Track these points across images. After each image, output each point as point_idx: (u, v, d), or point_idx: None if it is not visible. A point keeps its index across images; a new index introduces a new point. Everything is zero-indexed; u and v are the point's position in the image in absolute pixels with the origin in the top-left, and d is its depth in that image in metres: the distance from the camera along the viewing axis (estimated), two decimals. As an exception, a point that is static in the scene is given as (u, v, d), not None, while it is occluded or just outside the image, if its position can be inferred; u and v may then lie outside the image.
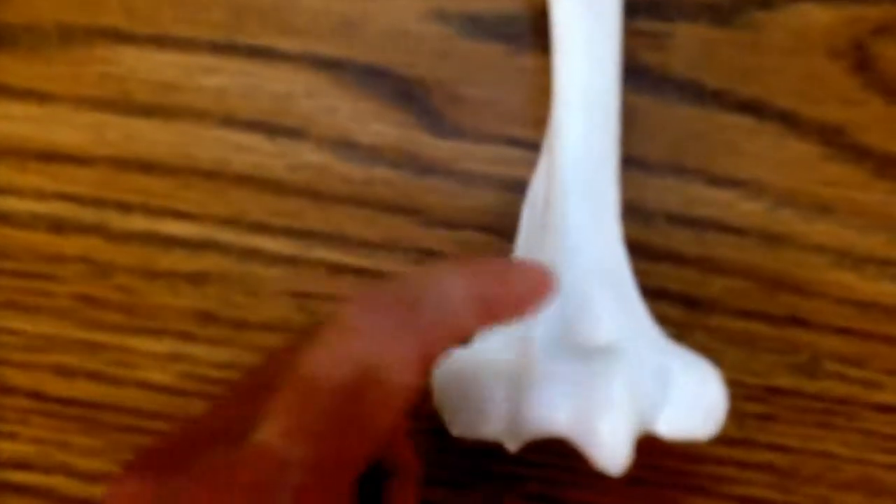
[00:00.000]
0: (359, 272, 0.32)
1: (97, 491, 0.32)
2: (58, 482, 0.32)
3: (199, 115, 0.32)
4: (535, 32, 0.32)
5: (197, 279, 0.32)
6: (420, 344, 0.20)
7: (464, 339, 0.22)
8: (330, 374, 0.19)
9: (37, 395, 0.32)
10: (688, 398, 0.27)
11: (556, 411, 0.26)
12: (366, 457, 0.19)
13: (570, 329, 0.27)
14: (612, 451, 0.25)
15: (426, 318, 0.20)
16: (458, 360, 0.27)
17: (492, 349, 0.27)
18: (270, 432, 0.19)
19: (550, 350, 0.27)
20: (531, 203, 0.30)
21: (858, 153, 0.31)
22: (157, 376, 0.32)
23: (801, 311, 0.31)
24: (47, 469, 0.32)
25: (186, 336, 0.32)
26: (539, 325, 0.27)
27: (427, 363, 0.20)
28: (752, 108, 0.32)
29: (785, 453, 0.31)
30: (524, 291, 0.23)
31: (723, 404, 0.27)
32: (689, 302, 0.31)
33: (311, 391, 0.19)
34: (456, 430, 0.27)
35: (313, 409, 0.19)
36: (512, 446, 0.27)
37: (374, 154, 0.32)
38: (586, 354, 0.26)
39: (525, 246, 0.30)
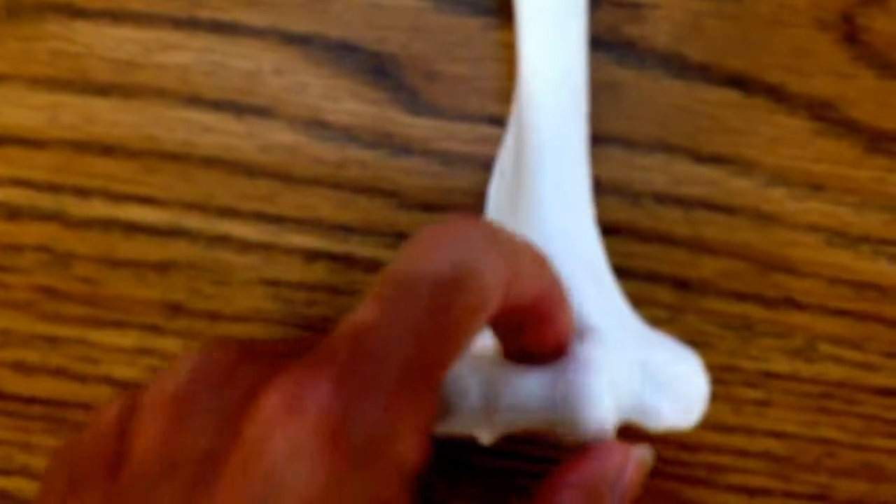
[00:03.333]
0: (334, 258, 0.31)
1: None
2: (19, 485, 0.31)
3: (161, 95, 0.31)
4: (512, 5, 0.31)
5: (163, 268, 0.31)
6: (507, 265, 0.19)
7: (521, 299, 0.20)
8: (430, 270, 0.18)
9: (-6, 394, 0.31)
10: (670, 389, 0.25)
11: (532, 404, 0.24)
12: (448, 368, 0.18)
13: None
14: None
15: (507, 248, 0.19)
16: None
17: None
18: (369, 313, 0.17)
19: None
20: (499, 179, 0.29)
21: (849, 128, 0.31)
22: (124, 371, 0.31)
23: (795, 293, 0.30)
24: (8, 472, 0.31)
25: (153, 329, 0.31)
26: None
27: (509, 290, 0.19)
28: (739, 82, 0.31)
29: (783, 440, 0.30)
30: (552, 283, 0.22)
31: (705, 395, 0.26)
32: (681, 284, 0.30)
33: (410, 283, 0.18)
34: None
35: (412, 300, 0.17)
36: (486, 440, 0.25)
37: (347, 134, 0.31)
38: None
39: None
